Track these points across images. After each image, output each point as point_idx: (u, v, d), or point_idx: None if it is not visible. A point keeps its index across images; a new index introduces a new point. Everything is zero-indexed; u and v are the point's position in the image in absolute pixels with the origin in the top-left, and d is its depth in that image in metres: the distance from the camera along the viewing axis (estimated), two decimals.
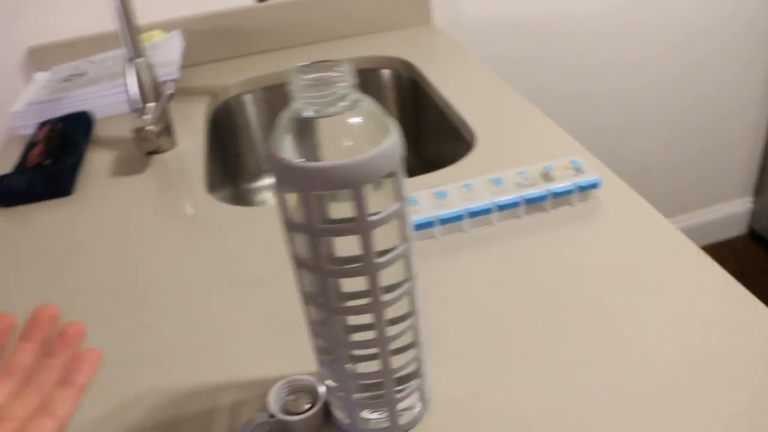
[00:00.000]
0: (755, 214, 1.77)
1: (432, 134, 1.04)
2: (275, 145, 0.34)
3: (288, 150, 0.33)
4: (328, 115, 0.33)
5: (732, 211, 1.76)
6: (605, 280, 0.54)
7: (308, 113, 0.33)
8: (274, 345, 0.52)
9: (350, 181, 0.32)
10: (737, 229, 1.80)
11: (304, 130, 0.34)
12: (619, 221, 0.61)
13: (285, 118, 0.34)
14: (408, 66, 1.08)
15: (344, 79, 0.33)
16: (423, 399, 0.43)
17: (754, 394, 0.43)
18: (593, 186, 0.63)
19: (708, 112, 1.58)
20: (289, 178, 0.33)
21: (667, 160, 1.62)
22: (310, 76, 0.33)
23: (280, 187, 0.34)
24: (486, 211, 0.61)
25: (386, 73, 1.12)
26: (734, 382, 0.44)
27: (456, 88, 0.94)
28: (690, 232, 1.68)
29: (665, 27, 1.42)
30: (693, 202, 1.72)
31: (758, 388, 0.43)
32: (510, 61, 1.34)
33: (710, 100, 1.56)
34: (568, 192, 0.62)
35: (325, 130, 0.33)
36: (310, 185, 0.32)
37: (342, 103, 0.33)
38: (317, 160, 0.33)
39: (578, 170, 0.63)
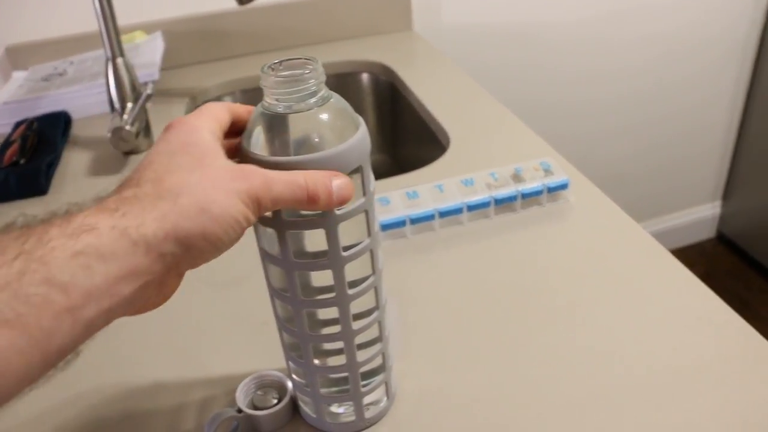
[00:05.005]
0: (723, 218, 1.81)
1: (408, 137, 1.05)
2: (246, 140, 0.34)
3: (259, 145, 0.34)
4: (299, 111, 0.34)
5: (701, 215, 1.80)
6: (573, 279, 0.55)
7: (279, 109, 0.34)
8: (244, 342, 0.52)
9: None
10: (706, 233, 1.84)
11: (275, 125, 0.34)
12: (587, 222, 0.62)
13: (256, 113, 0.35)
14: (387, 70, 1.09)
15: (315, 76, 0.33)
16: (389, 393, 0.44)
17: (716, 393, 0.44)
18: (562, 187, 0.64)
19: (680, 120, 1.60)
20: None
21: (638, 166, 1.64)
22: (282, 73, 0.34)
23: None
24: (456, 211, 0.62)
25: (365, 76, 1.12)
26: (698, 381, 0.45)
27: (433, 93, 0.95)
28: (660, 236, 1.69)
29: (643, 41, 1.44)
30: (663, 206, 1.75)
31: (721, 387, 0.44)
32: (488, 67, 1.36)
33: (683, 110, 1.59)
34: (538, 193, 0.63)
35: (295, 125, 0.34)
36: None
37: (312, 100, 0.34)
38: (287, 155, 0.34)
39: (548, 171, 0.65)
